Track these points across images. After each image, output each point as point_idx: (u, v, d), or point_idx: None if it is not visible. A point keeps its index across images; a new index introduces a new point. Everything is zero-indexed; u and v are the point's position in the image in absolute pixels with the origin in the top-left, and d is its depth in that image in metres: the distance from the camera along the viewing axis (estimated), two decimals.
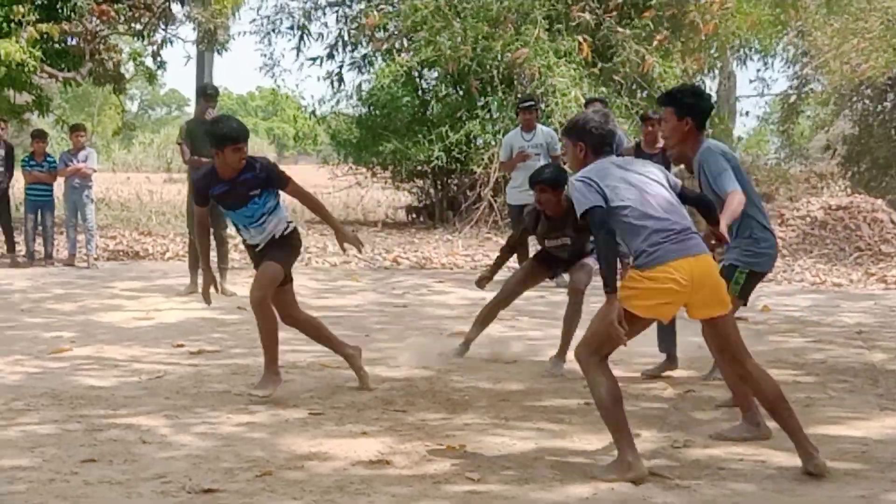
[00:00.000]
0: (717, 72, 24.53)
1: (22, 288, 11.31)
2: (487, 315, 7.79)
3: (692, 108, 5.71)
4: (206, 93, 11.34)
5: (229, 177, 6.17)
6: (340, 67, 21.54)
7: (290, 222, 6.46)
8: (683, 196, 5.05)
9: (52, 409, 5.95)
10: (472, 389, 6.65)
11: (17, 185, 15.31)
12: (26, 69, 14.89)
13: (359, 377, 6.59)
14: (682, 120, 5.71)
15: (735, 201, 5.58)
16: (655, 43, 17.50)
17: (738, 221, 5.73)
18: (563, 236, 7.33)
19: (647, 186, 4.86)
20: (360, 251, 6.60)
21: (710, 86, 24.43)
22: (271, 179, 6.27)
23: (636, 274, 4.74)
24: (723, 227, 5.38)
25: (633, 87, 18.53)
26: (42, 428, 5.52)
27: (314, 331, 6.68)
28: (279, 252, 6.32)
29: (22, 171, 13.70)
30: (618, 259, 4.85)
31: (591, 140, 4.98)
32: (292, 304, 6.58)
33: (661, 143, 10.99)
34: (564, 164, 13.45)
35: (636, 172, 4.91)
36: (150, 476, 4.70)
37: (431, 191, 20.85)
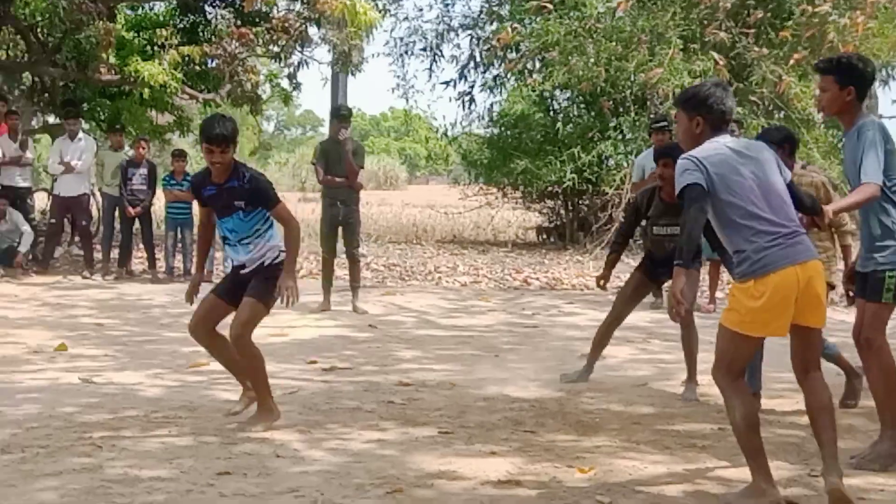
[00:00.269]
0: None
1: (162, 303, 11.63)
2: (603, 336, 7.71)
3: (857, 77, 5.26)
4: (340, 114, 11.54)
5: (219, 181, 5.98)
6: (472, 88, 21.67)
7: (283, 251, 6.06)
8: (792, 195, 4.71)
9: (189, 422, 6.09)
10: (603, 412, 6.59)
11: (159, 203, 15.75)
12: (168, 90, 15.35)
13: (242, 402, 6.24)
14: (845, 89, 5.26)
15: (866, 194, 5.13)
16: (792, 62, 17.14)
17: (879, 223, 5.29)
18: (673, 224, 7.03)
19: (762, 179, 4.57)
20: (288, 304, 5.93)
21: None
22: (257, 194, 5.92)
23: (741, 288, 4.51)
24: (832, 209, 5.09)
25: (770, 107, 18.18)
26: (180, 440, 5.66)
27: (224, 351, 6.24)
28: (264, 287, 5.99)
29: (163, 190, 14.11)
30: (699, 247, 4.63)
31: (710, 115, 4.69)
32: (218, 321, 6.29)
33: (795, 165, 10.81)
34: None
35: (751, 158, 4.61)
36: (284, 490, 4.77)
37: (562, 211, 20.78)
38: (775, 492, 4.54)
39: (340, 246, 11.45)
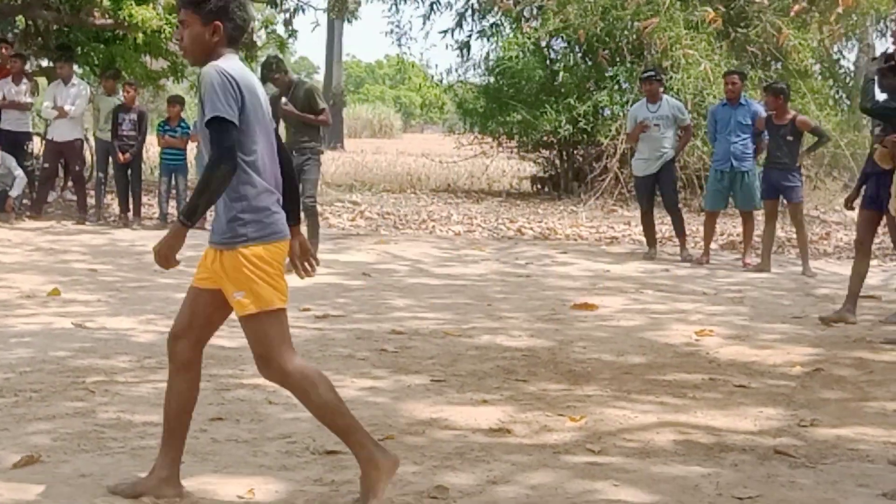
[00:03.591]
0: (855, 43, 23.82)
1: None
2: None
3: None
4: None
5: None
6: (469, 37, 21.54)
7: None
8: None
9: None
10: (595, 361, 6.62)
11: (153, 150, 15.69)
12: (163, 36, 15.21)
13: None
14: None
15: None
16: (792, 14, 17.04)
17: None
18: None
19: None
20: None
21: (848, 57, 23.75)
22: None
23: (258, 255, 4.02)
24: None
25: (767, 58, 18.11)
26: None
27: None
28: None
29: (157, 136, 14.05)
30: None
31: (230, 23, 3.84)
32: None
33: (790, 114, 10.83)
34: (695, 136, 13.27)
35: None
36: (276, 436, 4.80)
37: (557, 161, 20.72)
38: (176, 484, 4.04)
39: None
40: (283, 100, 10.09)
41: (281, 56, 13.24)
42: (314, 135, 10.39)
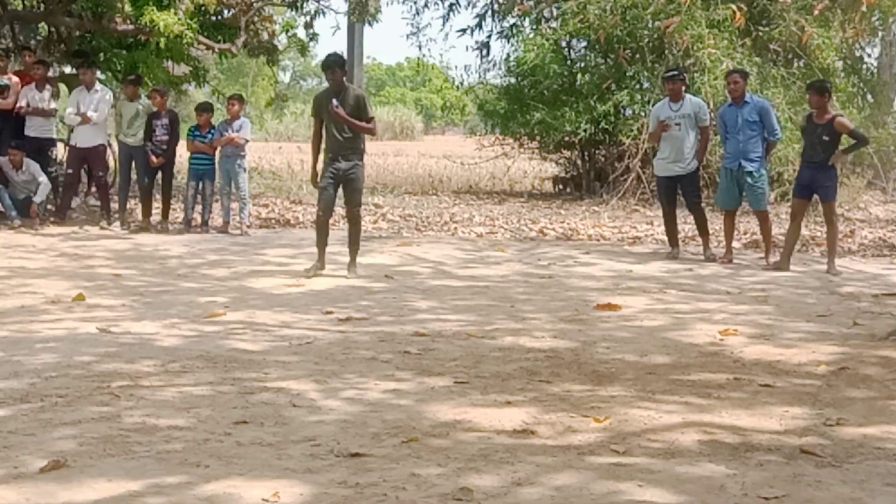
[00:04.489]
0: (878, 40, 23.68)
1: (178, 254, 11.66)
2: None
3: None
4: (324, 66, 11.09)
5: None
6: (489, 37, 21.52)
7: None
8: None
9: (206, 372, 6.13)
10: (618, 362, 6.60)
11: (177, 155, 15.73)
12: (184, 41, 15.27)
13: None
14: None
15: None
16: (815, 12, 16.95)
17: None
18: None
19: None
20: None
21: (871, 54, 23.61)
22: None
23: None
24: None
25: (790, 56, 18.02)
26: (197, 389, 5.70)
27: None
28: None
29: (186, 141, 14.13)
30: None
31: None
32: None
33: (830, 114, 10.80)
34: (716, 134, 13.22)
35: None
36: (300, 439, 4.81)
37: (579, 162, 20.69)
38: None
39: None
40: (334, 101, 9.81)
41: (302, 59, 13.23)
42: (360, 141, 10.10)
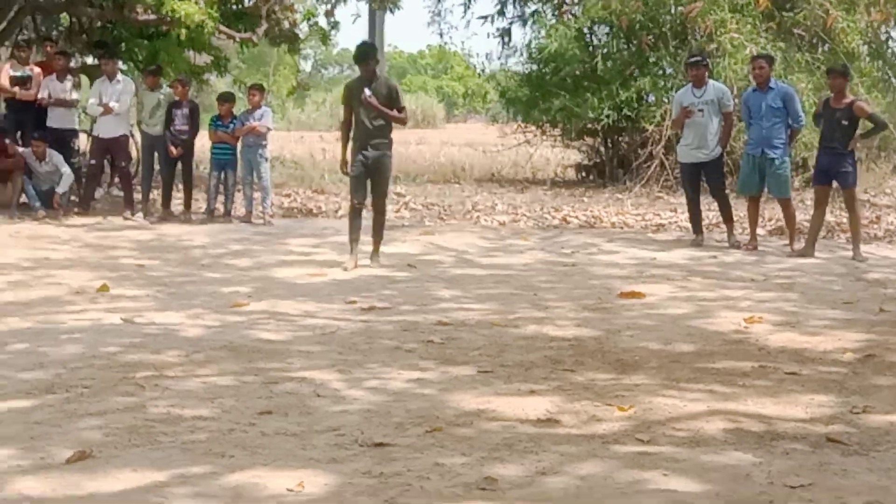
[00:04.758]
0: None
1: (202, 244, 11.69)
2: None
3: None
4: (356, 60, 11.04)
5: None
6: (510, 24, 21.45)
7: None
8: None
9: (230, 362, 6.14)
10: (642, 350, 6.57)
11: (198, 145, 15.76)
12: (205, 30, 15.28)
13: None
14: None
15: None
16: None
17: None
18: None
19: None
20: None
21: None
22: None
23: None
24: None
25: (814, 41, 17.89)
26: (221, 380, 5.71)
27: None
28: None
29: (209, 131, 14.16)
30: None
31: None
32: None
33: (848, 98, 10.72)
34: (740, 120, 13.13)
35: None
36: (324, 428, 4.81)
37: (601, 149, 20.62)
38: None
39: None
40: (367, 91, 9.74)
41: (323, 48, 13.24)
42: (389, 131, 10.05)
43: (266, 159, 13.97)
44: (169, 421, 4.91)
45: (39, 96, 14.03)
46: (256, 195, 13.97)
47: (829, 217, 12.33)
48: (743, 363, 6.21)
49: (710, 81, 12.11)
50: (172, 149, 13.82)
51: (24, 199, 13.55)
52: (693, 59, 12.05)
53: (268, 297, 8.41)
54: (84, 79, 16.50)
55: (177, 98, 13.95)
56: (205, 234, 12.47)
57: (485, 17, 21.50)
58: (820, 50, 17.90)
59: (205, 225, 13.43)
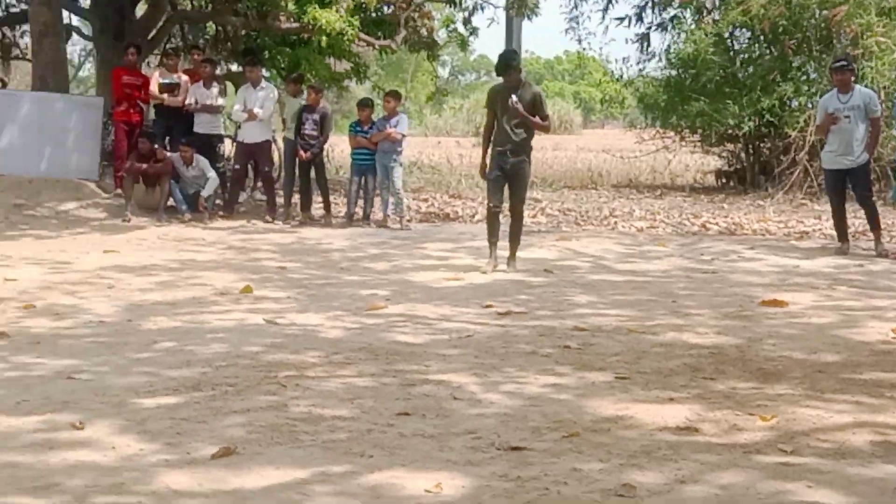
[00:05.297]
0: None
1: (341, 247, 11.87)
2: None
3: None
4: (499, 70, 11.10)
5: None
6: (649, 29, 21.24)
7: None
8: None
9: (368, 364, 6.21)
10: (785, 359, 6.43)
11: (338, 150, 16.03)
12: (345, 38, 15.53)
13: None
14: None
15: None
16: None
17: None
18: None
19: None
20: None
21: None
22: None
23: None
24: None
25: None
26: (360, 381, 5.78)
27: None
28: None
29: (349, 137, 14.40)
30: None
31: None
32: None
33: None
34: (889, 126, 12.76)
35: None
36: (461, 431, 4.83)
37: (742, 155, 20.25)
38: None
39: None
40: (514, 97, 9.76)
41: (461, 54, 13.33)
42: (530, 139, 10.09)
43: (400, 164, 14.12)
44: (310, 420, 5.00)
45: (186, 103, 14.47)
46: (391, 200, 14.12)
47: None
48: (891, 374, 6.02)
49: (857, 87, 11.78)
50: (302, 153, 14.08)
51: (171, 202, 13.96)
52: (838, 64, 11.74)
53: (405, 300, 8.49)
54: (229, 86, 16.94)
55: (309, 104, 14.22)
56: (344, 238, 12.65)
57: (621, 19, 21.32)
58: None
59: (344, 229, 13.63)
